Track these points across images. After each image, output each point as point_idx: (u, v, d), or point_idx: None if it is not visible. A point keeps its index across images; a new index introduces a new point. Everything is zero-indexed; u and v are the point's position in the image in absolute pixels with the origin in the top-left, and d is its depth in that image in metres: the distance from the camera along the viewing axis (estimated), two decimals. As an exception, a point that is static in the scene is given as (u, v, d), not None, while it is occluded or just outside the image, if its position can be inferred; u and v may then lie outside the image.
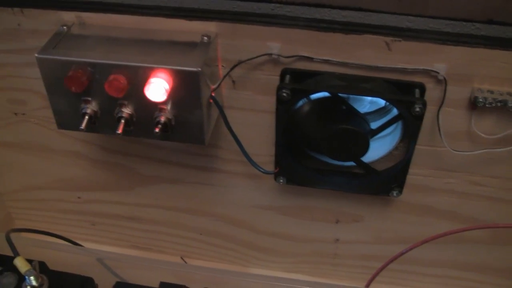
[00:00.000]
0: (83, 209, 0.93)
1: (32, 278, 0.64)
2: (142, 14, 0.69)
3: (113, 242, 0.96)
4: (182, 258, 0.95)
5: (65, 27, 0.70)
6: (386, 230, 0.83)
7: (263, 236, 0.88)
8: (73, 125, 0.71)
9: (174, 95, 0.65)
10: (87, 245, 0.90)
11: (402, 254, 0.72)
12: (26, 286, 0.64)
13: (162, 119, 0.67)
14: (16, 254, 0.67)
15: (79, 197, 0.91)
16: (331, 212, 0.83)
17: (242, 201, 0.84)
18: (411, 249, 0.71)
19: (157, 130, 0.67)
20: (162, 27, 0.69)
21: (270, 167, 0.77)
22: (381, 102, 0.72)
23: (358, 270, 0.89)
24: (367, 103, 0.74)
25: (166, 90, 0.64)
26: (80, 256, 0.83)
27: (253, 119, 0.74)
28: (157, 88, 0.64)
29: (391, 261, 0.74)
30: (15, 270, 0.66)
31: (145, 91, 0.65)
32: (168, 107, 0.67)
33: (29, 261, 0.66)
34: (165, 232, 0.92)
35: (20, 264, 0.65)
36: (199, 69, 0.63)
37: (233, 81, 0.71)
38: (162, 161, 0.82)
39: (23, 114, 0.82)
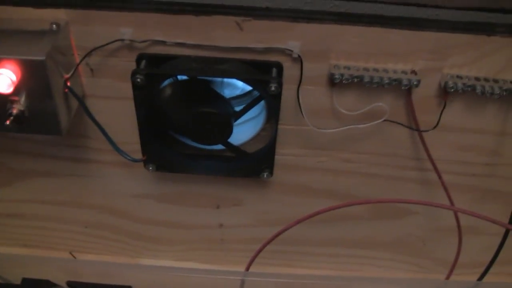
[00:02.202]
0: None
1: None
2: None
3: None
4: (71, 253, 0.93)
5: None
6: (267, 212, 0.83)
7: (147, 226, 0.87)
8: None
9: (23, 86, 0.63)
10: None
11: (278, 234, 0.72)
12: None
13: (14, 111, 0.64)
14: None
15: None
16: (210, 197, 0.82)
17: (119, 191, 0.83)
18: (286, 229, 0.71)
19: (7, 122, 0.64)
20: (9, 16, 0.66)
21: (140, 155, 0.75)
22: (245, 85, 0.71)
23: (246, 254, 0.88)
24: (239, 87, 0.73)
25: (12, 82, 0.62)
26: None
27: (115, 106, 0.72)
28: (3, 80, 0.62)
29: (268, 242, 0.73)
30: None
31: (-8, 84, 0.62)
32: (20, 98, 0.64)
33: None
34: (50, 228, 0.90)
35: None
36: (44, 57, 0.61)
37: (91, 69, 0.69)
38: (33, 154, 0.80)
39: None
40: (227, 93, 0.72)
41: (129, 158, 0.73)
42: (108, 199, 0.84)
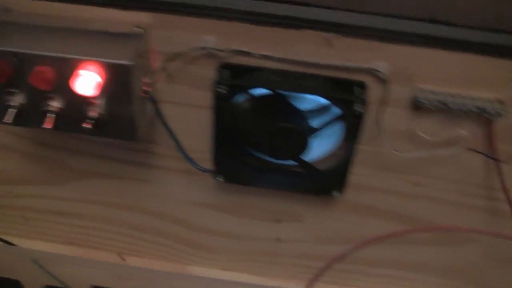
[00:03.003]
0: (14, 204, 0.88)
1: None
2: (73, 2, 0.65)
3: (47, 238, 0.91)
4: (120, 255, 0.91)
5: (-13, 14, 0.66)
6: (327, 229, 0.81)
7: (200, 233, 0.86)
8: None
9: (104, 88, 0.62)
10: (20, 241, 0.86)
11: (345, 255, 0.71)
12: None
13: (92, 113, 0.63)
14: None
15: (10, 192, 0.86)
16: (271, 211, 0.80)
17: (178, 198, 0.82)
18: (353, 250, 0.70)
19: (85, 125, 0.63)
20: (94, 16, 0.65)
21: (207, 164, 0.74)
22: (323, 100, 0.70)
23: (299, 269, 0.87)
24: (310, 101, 0.72)
25: (96, 84, 0.61)
26: (13, 256, 0.79)
27: (189, 114, 0.71)
28: (86, 81, 0.61)
29: (334, 261, 0.72)
30: None
31: (73, 84, 0.61)
32: (99, 101, 0.63)
33: None
34: (101, 229, 0.88)
35: None
36: (131, 62, 0.60)
37: (169, 75, 0.68)
38: (96, 155, 0.78)
39: None
40: (302, 106, 0.70)
41: (199, 167, 0.72)
42: (165, 205, 0.83)
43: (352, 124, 0.66)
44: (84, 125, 0.63)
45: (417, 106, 0.65)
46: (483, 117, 0.66)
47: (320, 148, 0.72)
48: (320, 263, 0.83)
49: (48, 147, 0.79)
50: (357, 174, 0.73)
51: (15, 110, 0.64)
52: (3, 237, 0.86)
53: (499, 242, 0.81)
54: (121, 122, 0.65)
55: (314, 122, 0.69)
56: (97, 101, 0.63)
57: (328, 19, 0.62)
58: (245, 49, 0.64)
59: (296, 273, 0.88)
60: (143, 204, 0.84)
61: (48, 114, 0.64)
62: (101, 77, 0.61)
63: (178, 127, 0.70)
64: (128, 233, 0.88)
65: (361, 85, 0.65)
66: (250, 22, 0.62)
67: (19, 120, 0.65)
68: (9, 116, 0.64)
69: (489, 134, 0.68)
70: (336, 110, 0.68)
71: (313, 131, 0.68)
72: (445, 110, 0.65)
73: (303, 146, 0.68)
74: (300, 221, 0.81)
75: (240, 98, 0.68)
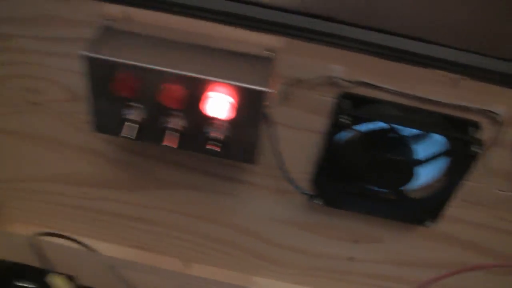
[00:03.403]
0: (87, 205, 0.87)
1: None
2: (198, 17, 0.64)
3: (115, 240, 0.90)
4: (186, 262, 0.91)
5: (110, 22, 0.64)
6: (404, 253, 0.83)
7: (275, 248, 0.87)
8: (112, 130, 0.66)
9: (235, 112, 0.61)
10: (90, 241, 0.85)
11: (435, 280, 0.73)
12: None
13: (216, 135, 0.63)
14: (47, 265, 0.61)
15: (84, 193, 0.85)
16: (352, 232, 0.82)
17: (262, 214, 0.82)
18: (445, 277, 0.72)
19: (209, 147, 0.63)
20: (218, 34, 0.64)
21: (302, 184, 0.74)
22: (436, 136, 0.71)
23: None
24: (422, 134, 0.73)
25: (228, 107, 0.61)
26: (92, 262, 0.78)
27: (295, 136, 0.71)
28: (218, 103, 0.61)
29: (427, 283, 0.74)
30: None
31: (204, 105, 0.61)
32: (225, 123, 0.63)
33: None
34: (171, 235, 0.88)
35: (56, 283, 0.60)
36: (267, 89, 0.59)
37: (286, 98, 0.68)
38: (185, 166, 0.78)
39: (37, 104, 0.75)
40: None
41: (300, 189, 0.72)
42: (246, 220, 0.84)
43: (463, 162, 0.68)
44: (210, 147, 0.63)
45: (526, 149, 0.67)
46: None
47: (420, 178, 0.73)
48: (391, 284, 0.85)
49: (136, 155, 0.78)
50: (450, 205, 0.75)
51: (137, 126, 0.63)
52: (76, 236, 0.84)
53: None
54: (243, 145, 0.65)
55: (420, 153, 0.70)
56: (224, 123, 0.63)
57: (457, 60, 0.63)
58: (369, 81, 0.64)
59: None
60: (223, 217, 0.84)
61: (171, 132, 0.63)
62: (233, 100, 0.60)
63: (283, 148, 0.70)
64: (199, 241, 0.88)
65: (476, 126, 0.66)
66: (379, 56, 0.63)
67: (141, 135, 0.64)
68: (131, 132, 0.63)
69: None
70: (444, 145, 0.69)
71: (418, 163, 0.70)
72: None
73: (408, 178, 0.69)
74: (378, 242, 0.82)
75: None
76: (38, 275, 0.63)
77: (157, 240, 0.89)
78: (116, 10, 0.64)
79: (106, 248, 0.87)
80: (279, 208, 0.80)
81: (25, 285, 0.61)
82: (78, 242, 0.76)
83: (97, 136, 0.77)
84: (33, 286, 0.61)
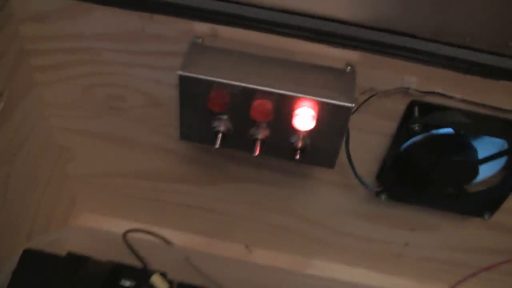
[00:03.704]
0: (163, 198, 0.94)
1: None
2: (281, 34, 0.68)
3: (188, 229, 0.98)
4: (245, 245, 0.98)
5: (200, 40, 0.69)
6: (460, 241, 0.89)
7: (337, 235, 0.93)
8: (198, 138, 0.71)
9: (319, 124, 0.66)
10: (161, 231, 0.91)
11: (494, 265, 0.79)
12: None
13: (301, 145, 0.68)
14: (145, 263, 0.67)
15: (161, 187, 0.91)
16: (409, 221, 0.88)
17: (327, 206, 0.89)
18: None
19: (297, 156, 0.68)
20: (301, 49, 0.69)
21: (368, 181, 0.80)
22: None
23: (421, 270, 0.96)
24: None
25: (313, 119, 0.66)
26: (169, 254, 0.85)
27: (365, 138, 0.76)
28: (304, 118, 0.66)
29: (484, 269, 0.81)
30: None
31: (293, 120, 0.66)
32: (309, 133, 0.68)
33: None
34: (240, 224, 0.95)
35: (158, 282, 0.66)
36: (353, 105, 0.64)
37: (359, 105, 0.72)
38: (258, 164, 0.84)
39: (119, 109, 0.81)
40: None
41: (369, 187, 0.78)
42: (311, 210, 0.90)
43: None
44: (296, 156, 0.68)
45: None
46: None
47: (480, 174, 0.79)
48: (444, 267, 0.92)
49: (208, 153, 0.84)
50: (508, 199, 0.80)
51: (221, 135, 0.69)
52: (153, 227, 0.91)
53: None
54: (325, 151, 0.70)
55: (481, 152, 0.75)
56: (308, 134, 0.68)
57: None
58: (442, 91, 0.69)
59: (417, 274, 0.96)
60: (292, 208, 0.91)
61: (256, 142, 0.69)
62: (319, 114, 0.65)
63: (353, 149, 0.75)
64: (269, 230, 0.95)
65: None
66: (450, 69, 0.67)
67: (225, 143, 0.69)
68: (218, 141, 0.69)
69: None
70: (504, 145, 0.74)
71: (481, 162, 0.75)
72: None
73: (471, 176, 0.74)
74: (434, 230, 0.88)
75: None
76: (135, 272, 0.69)
77: (224, 228, 0.96)
78: (204, 27, 0.68)
79: (178, 237, 0.94)
80: (344, 201, 0.87)
81: (128, 285, 0.67)
82: (158, 236, 0.82)
83: (173, 137, 0.82)
84: (137, 285, 0.67)
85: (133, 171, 0.91)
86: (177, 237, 0.89)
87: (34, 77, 0.78)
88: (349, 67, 0.68)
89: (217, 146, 0.69)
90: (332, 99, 0.64)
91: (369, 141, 0.77)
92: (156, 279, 0.65)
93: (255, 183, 0.87)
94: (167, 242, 0.83)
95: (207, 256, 0.90)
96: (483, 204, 0.81)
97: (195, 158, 0.86)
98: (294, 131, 0.68)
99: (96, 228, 0.94)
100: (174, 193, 0.93)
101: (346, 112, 0.65)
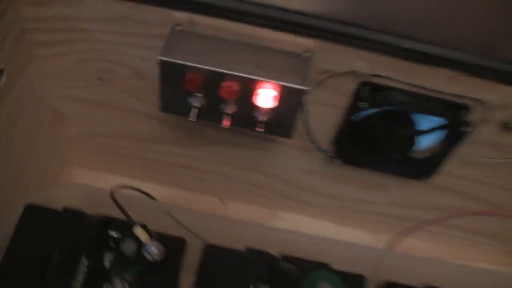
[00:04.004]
0: (146, 157, 1.06)
1: (153, 248, 0.77)
2: (249, 22, 0.78)
3: (168, 183, 1.11)
4: (220, 198, 1.11)
5: (180, 26, 0.79)
6: (407, 199, 1.02)
7: (301, 191, 1.06)
8: (175, 111, 0.83)
9: (278, 102, 0.78)
10: (145, 185, 1.03)
11: (443, 219, 0.93)
12: (149, 254, 0.77)
13: (262, 118, 0.80)
14: (129, 217, 0.79)
15: (145, 147, 1.03)
16: (363, 181, 1.00)
17: (291, 166, 1.01)
18: (452, 217, 0.92)
19: (258, 129, 0.80)
20: (266, 36, 0.79)
21: (325, 147, 0.93)
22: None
23: (374, 223, 1.09)
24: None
25: (273, 99, 0.77)
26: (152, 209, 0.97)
27: (322, 110, 0.87)
28: (265, 97, 0.77)
29: (425, 223, 0.94)
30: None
31: (256, 98, 0.77)
32: (270, 109, 0.79)
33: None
34: (214, 180, 1.08)
35: (140, 233, 0.78)
36: (306, 88, 0.76)
37: (317, 83, 0.83)
38: (230, 130, 0.95)
39: (109, 80, 0.91)
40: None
41: (324, 152, 0.90)
42: (279, 170, 1.03)
43: (456, 135, 0.85)
44: (257, 128, 0.80)
45: (506, 127, 0.84)
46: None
47: (422, 144, 0.91)
48: (396, 221, 1.06)
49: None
50: (445, 165, 0.93)
51: (197, 110, 0.80)
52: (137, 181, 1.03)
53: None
54: (283, 125, 0.82)
55: (423, 125, 0.87)
56: (269, 109, 0.79)
57: (456, 58, 0.78)
58: (386, 75, 0.80)
59: (374, 227, 1.10)
60: (260, 167, 1.02)
61: (225, 116, 0.80)
62: (277, 94, 0.77)
63: (312, 118, 0.87)
64: (239, 186, 1.08)
65: (467, 109, 0.82)
66: (394, 56, 0.78)
67: (200, 116, 0.81)
68: (193, 115, 0.80)
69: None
70: (442, 121, 0.86)
71: (420, 133, 0.87)
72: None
73: (410, 145, 0.87)
74: (385, 190, 1.01)
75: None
76: (120, 224, 0.81)
77: (202, 184, 1.09)
78: (183, 16, 0.79)
79: (161, 190, 1.06)
80: (307, 162, 0.98)
81: (115, 235, 0.80)
82: (142, 192, 0.94)
83: (156, 106, 0.93)
84: (122, 236, 0.79)
85: (121, 133, 1.02)
86: (160, 193, 1.01)
87: (33, 52, 0.88)
88: (308, 53, 0.79)
89: (193, 119, 0.81)
90: (288, 82, 0.76)
91: (326, 113, 0.88)
92: (138, 230, 0.77)
93: (229, 145, 0.99)
94: (151, 197, 0.95)
95: (186, 209, 1.02)
96: (424, 168, 0.93)
97: (176, 124, 0.97)
98: (257, 107, 0.79)
99: (86, 184, 1.06)
100: (158, 153, 1.04)
101: (300, 93, 0.77)
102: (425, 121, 0.87)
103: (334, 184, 1.03)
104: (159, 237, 0.80)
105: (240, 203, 1.11)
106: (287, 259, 0.84)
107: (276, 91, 0.77)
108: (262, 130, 0.81)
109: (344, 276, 0.82)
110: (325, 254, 0.85)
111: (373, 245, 1.04)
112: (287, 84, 0.76)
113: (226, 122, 0.81)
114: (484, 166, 0.92)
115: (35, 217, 0.82)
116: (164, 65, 0.77)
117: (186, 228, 0.90)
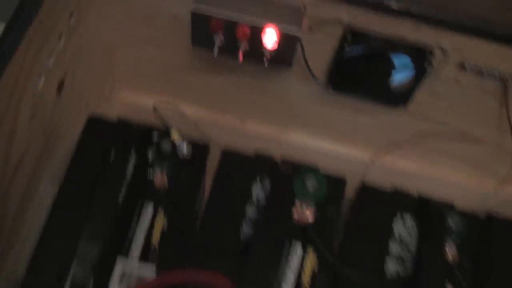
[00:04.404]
0: (178, 81, 1.31)
1: (183, 146, 1.05)
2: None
3: (192, 102, 1.34)
4: (241, 118, 1.37)
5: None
6: (391, 122, 1.26)
7: (306, 112, 1.30)
8: (203, 45, 1.09)
9: (280, 43, 1.02)
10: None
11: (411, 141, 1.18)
12: (181, 152, 1.05)
13: (269, 56, 1.05)
14: (167, 125, 1.06)
15: (178, 74, 1.28)
16: (355, 107, 1.23)
17: (296, 93, 1.24)
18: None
19: (266, 64, 1.05)
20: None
21: (320, 78, 1.16)
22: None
23: (365, 142, 1.33)
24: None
25: (275, 41, 1.02)
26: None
27: (318, 49, 1.09)
28: (270, 40, 1.01)
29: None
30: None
31: (263, 40, 1.02)
32: (274, 48, 1.04)
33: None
34: (232, 101, 1.32)
35: (174, 134, 1.05)
36: (300, 35, 1.00)
37: (311, 28, 1.06)
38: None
39: (152, 22, 1.16)
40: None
41: (318, 81, 1.15)
42: (287, 96, 1.26)
43: (423, 73, 1.08)
44: (266, 64, 1.05)
45: (462, 67, 1.06)
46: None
47: (397, 79, 1.14)
48: (381, 141, 1.30)
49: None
50: (416, 95, 1.16)
51: (217, 48, 1.05)
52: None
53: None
54: (284, 58, 1.06)
55: (396, 63, 1.10)
56: (273, 48, 1.04)
57: (419, 12, 1.00)
58: (364, 24, 1.03)
59: (364, 144, 1.34)
60: (270, 92, 1.26)
61: (240, 52, 1.05)
62: (279, 38, 1.01)
63: (310, 55, 1.10)
64: (254, 108, 1.33)
65: (431, 52, 1.05)
66: (373, 12, 1.01)
67: (221, 52, 1.06)
68: (216, 51, 1.05)
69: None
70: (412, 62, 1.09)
71: (395, 69, 1.10)
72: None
73: (387, 78, 1.10)
74: (372, 114, 1.25)
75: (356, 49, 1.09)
76: (160, 131, 1.08)
77: (225, 105, 1.34)
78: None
79: (191, 110, 1.30)
80: (309, 89, 1.21)
81: (156, 138, 1.06)
82: (177, 109, 1.21)
83: (188, 41, 1.18)
84: (162, 138, 1.06)
85: (161, 63, 1.25)
86: (190, 111, 1.26)
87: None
88: (303, 8, 1.02)
89: (215, 55, 1.06)
90: (288, 26, 1.00)
91: (321, 51, 1.10)
92: (173, 132, 1.04)
93: (245, 75, 1.22)
94: (182, 113, 1.22)
95: (211, 124, 1.29)
96: (400, 98, 1.17)
97: (204, 57, 1.21)
98: (264, 46, 1.04)
99: (133, 103, 1.32)
100: (190, 78, 1.28)
101: (296, 37, 1.01)
102: (398, 61, 1.10)
103: (331, 109, 1.25)
104: (188, 141, 1.07)
105: (256, 122, 1.36)
106: (286, 162, 1.10)
107: (278, 34, 1.01)
108: (267, 65, 1.06)
109: (329, 177, 1.08)
110: (318, 163, 1.08)
111: (360, 158, 1.29)
112: (286, 27, 1.00)
113: (240, 57, 1.06)
114: (448, 97, 1.15)
115: (95, 125, 1.10)
116: (194, 15, 1.01)
117: (209, 137, 1.17)
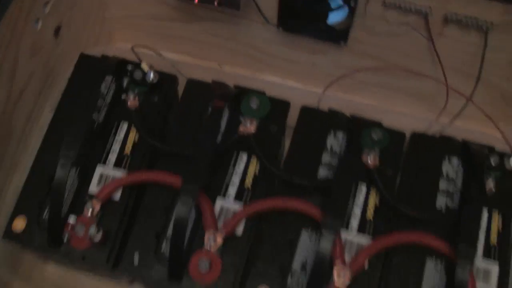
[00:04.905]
0: (160, 30, 1.52)
1: (151, 74, 1.27)
2: None
3: (174, 50, 1.56)
4: (218, 63, 1.58)
5: None
6: (339, 60, 1.44)
7: (268, 55, 1.49)
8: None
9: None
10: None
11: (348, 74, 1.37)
12: (149, 78, 1.27)
13: (220, -2, 1.26)
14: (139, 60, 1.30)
15: (161, 24, 1.50)
16: (309, 47, 1.42)
17: (257, 35, 1.43)
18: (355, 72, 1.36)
19: (215, 4, 1.27)
20: None
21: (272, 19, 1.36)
22: None
23: (322, 81, 1.51)
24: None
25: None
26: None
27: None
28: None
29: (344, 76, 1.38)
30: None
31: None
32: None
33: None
34: (210, 48, 1.53)
35: (144, 65, 1.27)
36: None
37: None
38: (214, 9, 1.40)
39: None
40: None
41: (270, 23, 1.35)
42: (247, 38, 1.47)
43: (353, 12, 1.27)
44: (215, 3, 1.27)
45: (384, 5, 1.24)
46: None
47: (337, 17, 1.33)
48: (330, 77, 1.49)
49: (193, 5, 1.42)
50: (355, 34, 1.35)
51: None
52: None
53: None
54: (233, 2, 1.28)
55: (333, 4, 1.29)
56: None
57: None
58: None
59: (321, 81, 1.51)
60: (237, 36, 1.47)
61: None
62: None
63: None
64: (224, 52, 1.54)
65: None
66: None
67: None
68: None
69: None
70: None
71: (332, 9, 1.30)
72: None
73: (326, 18, 1.30)
74: (323, 53, 1.44)
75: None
76: (135, 64, 1.29)
77: (204, 52, 1.55)
78: None
79: (172, 56, 1.51)
80: (266, 31, 1.40)
81: (130, 68, 1.28)
82: (154, 51, 1.43)
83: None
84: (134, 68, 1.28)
85: (146, 15, 1.47)
86: (171, 57, 1.49)
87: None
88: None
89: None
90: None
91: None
92: (143, 64, 1.26)
93: (215, 21, 1.42)
94: (162, 57, 1.44)
95: (190, 66, 1.51)
96: (340, 36, 1.36)
97: (180, 7, 1.44)
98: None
99: (118, 46, 1.56)
100: (172, 27, 1.48)
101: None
102: (333, 2, 1.30)
103: (290, 50, 1.45)
104: (159, 73, 1.30)
105: (231, 67, 1.56)
106: (239, 87, 1.30)
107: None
108: (216, 5, 1.28)
109: (273, 99, 1.28)
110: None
111: (314, 90, 1.47)
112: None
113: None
114: (380, 34, 1.34)
115: (85, 60, 1.35)
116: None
117: (182, 74, 1.39)
